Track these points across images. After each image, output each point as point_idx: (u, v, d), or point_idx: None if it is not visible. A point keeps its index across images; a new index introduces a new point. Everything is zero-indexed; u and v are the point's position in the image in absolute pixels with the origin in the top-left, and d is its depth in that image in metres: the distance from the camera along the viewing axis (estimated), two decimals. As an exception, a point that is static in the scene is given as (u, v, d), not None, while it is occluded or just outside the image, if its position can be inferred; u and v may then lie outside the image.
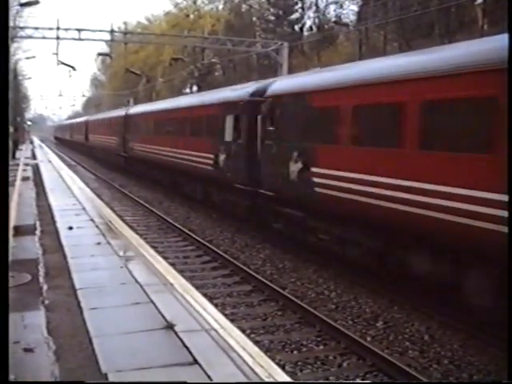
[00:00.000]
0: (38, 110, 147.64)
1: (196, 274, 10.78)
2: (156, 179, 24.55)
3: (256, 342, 6.58)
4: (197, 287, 7.60)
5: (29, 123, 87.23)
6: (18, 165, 28.49)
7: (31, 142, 75.30)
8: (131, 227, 13.09)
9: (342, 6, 42.40)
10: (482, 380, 6.55)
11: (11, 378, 4.16)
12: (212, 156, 16.18)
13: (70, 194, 16.91)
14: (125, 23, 70.22)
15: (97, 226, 11.33)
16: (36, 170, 26.68)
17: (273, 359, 5.66)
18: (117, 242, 9.80)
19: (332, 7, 44.20)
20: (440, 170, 7.82)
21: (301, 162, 11.29)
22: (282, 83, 13.53)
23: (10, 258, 7.76)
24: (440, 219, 7.68)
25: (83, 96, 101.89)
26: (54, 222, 11.61)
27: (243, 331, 6.42)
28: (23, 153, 43.12)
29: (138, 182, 26.93)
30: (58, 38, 29.52)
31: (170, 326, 5.49)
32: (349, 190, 9.66)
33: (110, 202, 19.68)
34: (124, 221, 13.91)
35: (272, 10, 48.20)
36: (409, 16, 27.29)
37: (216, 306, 7.64)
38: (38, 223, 11.43)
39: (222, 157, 15.54)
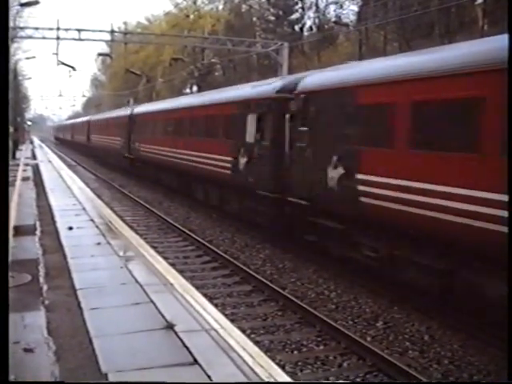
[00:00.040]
0: (38, 110, 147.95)
1: (196, 274, 10.79)
2: (164, 182, 23.45)
3: (256, 342, 6.58)
4: (197, 287, 7.60)
5: (29, 123, 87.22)
6: (18, 165, 28.47)
7: (31, 142, 75.33)
8: (131, 227, 13.10)
9: (341, 6, 42.39)
10: (482, 380, 6.55)
11: (11, 378, 4.16)
12: (230, 159, 14.85)
13: (70, 194, 16.91)
14: (125, 23, 70.42)
15: (97, 226, 11.33)
16: (36, 170, 26.66)
17: (273, 359, 5.67)
18: (117, 242, 9.81)
19: (332, 7, 44.20)
20: None
21: (342, 168, 9.97)
22: (318, 77, 11.85)
23: (10, 258, 7.74)
24: None
25: (83, 96, 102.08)
26: (54, 222, 11.61)
27: (243, 331, 6.41)
28: (23, 153, 43.10)
29: (138, 182, 26.95)
30: (58, 38, 29.43)
31: (170, 326, 5.49)
32: (404, 202, 8.36)
33: (110, 202, 19.70)
34: (124, 221, 13.92)
35: (272, 10, 48.20)
36: (409, 16, 27.25)
37: (216, 306, 7.63)
38: (38, 223, 11.43)
39: (242, 160, 14.16)
